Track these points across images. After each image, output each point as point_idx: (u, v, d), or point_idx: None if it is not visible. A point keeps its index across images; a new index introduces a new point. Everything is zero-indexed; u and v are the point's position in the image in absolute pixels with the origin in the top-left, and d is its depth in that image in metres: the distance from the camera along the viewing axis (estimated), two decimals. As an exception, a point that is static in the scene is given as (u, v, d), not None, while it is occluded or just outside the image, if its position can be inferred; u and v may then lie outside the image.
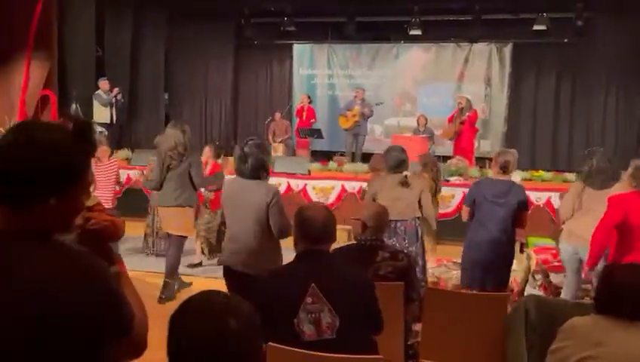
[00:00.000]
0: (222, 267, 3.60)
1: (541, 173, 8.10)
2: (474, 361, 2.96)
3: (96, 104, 9.65)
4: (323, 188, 7.83)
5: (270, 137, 10.42)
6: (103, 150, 6.20)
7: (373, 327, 2.32)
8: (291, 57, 12.96)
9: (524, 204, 4.13)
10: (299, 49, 12.86)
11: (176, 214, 4.84)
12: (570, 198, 4.19)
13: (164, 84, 12.34)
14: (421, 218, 4.41)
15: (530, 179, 7.68)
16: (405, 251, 3.75)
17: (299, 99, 11.58)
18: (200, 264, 6.18)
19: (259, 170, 3.40)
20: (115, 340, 1.13)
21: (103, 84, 9.68)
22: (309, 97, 11.13)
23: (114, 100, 9.65)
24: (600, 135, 11.06)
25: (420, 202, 4.38)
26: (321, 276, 2.19)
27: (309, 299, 2.12)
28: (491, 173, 4.62)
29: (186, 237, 5.09)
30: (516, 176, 5.97)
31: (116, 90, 9.73)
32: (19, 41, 9.14)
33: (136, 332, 1.20)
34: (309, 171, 8.10)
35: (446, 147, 10.29)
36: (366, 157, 10.24)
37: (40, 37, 9.11)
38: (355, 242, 3.20)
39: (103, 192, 5.71)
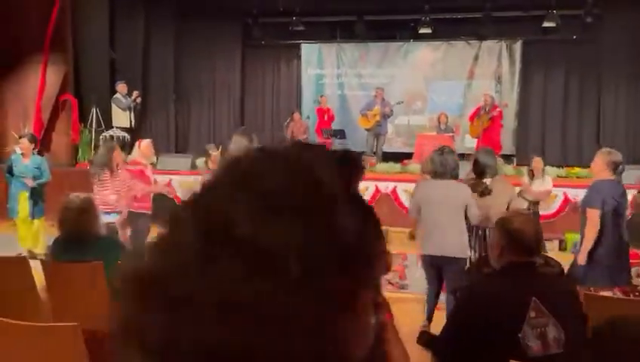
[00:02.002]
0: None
1: (577, 170, 8.20)
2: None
3: (115, 108, 9.49)
4: (356, 189, 7.83)
5: (288, 137, 10.39)
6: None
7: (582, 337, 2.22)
8: (299, 57, 12.93)
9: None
10: (307, 48, 12.83)
11: None
12: None
13: (173, 84, 12.21)
14: None
15: (566, 176, 7.79)
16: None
17: (313, 100, 11.55)
18: None
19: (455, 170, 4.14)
20: None
21: (122, 87, 9.56)
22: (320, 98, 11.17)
23: (133, 104, 9.51)
24: (611, 131, 11.25)
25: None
26: (539, 289, 2.13)
27: (532, 313, 2.05)
28: (598, 174, 4.14)
29: None
30: (551, 174, 6.01)
31: (136, 93, 9.63)
32: (33, 46, 9.00)
33: None
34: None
35: (465, 144, 10.37)
36: (386, 157, 10.33)
37: (56, 42, 9.01)
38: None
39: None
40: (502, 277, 2.26)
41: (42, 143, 8.74)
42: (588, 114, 11.68)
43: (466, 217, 4.10)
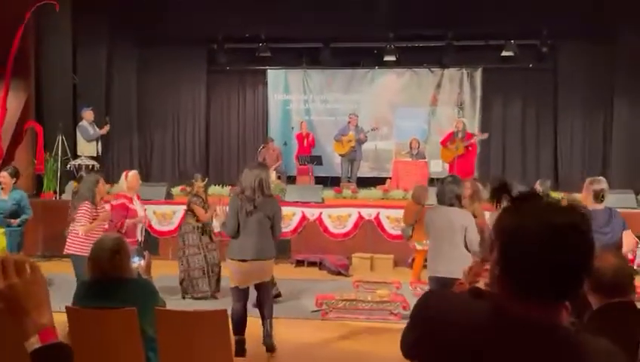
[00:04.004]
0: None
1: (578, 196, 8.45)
2: None
3: (80, 136, 9.09)
4: (339, 216, 7.83)
5: (261, 164, 10.28)
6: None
7: None
8: (265, 83, 12.91)
9: (625, 225, 4.20)
10: (273, 74, 12.84)
11: None
12: None
13: (137, 110, 11.87)
14: None
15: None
16: None
17: (280, 126, 11.49)
18: None
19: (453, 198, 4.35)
20: None
21: (88, 114, 9.20)
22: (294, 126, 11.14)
23: (100, 135, 9.17)
24: (568, 154, 11.82)
25: None
26: None
27: None
28: (585, 202, 4.30)
29: None
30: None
31: (107, 127, 9.28)
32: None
33: None
34: (323, 199, 8.05)
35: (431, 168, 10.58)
36: (361, 182, 10.40)
37: (18, 67, 8.61)
38: None
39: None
40: (601, 321, 2.00)
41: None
42: (545, 138, 12.22)
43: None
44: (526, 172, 12.36)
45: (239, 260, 4.37)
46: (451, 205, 4.35)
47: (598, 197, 4.22)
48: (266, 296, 4.56)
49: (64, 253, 5.18)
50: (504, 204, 1.14)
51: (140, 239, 5.49)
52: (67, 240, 5.08)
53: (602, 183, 4.31)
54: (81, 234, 4.84)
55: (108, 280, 2.86)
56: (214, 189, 8.41)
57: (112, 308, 2.82)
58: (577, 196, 5.61)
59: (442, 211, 4.38)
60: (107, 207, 5.49)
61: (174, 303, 5.45)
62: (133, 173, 5.79)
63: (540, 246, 1.01)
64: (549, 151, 12.18)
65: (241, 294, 4.46)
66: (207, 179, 6.68)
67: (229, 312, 4.21)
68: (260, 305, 4.56)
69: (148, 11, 10.47)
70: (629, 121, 10.88)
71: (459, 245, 4.24)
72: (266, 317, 4.52)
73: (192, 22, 11.11)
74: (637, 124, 10.80)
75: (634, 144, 10.74)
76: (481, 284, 1.40)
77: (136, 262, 3.41)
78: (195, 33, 11.78)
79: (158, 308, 2.99)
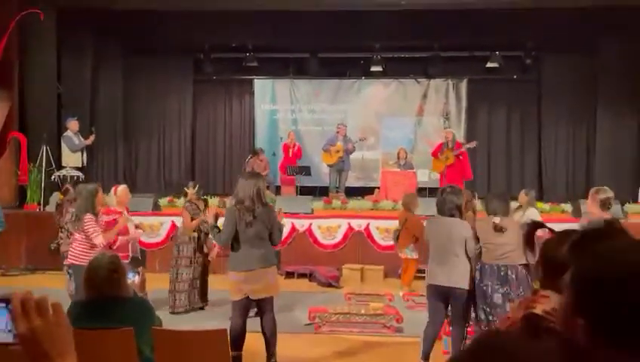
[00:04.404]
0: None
1: (562, 206, 8.58)
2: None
3: (65, 147, 8.95)
4: (329, 227, 7.81)
5: (249, 174, 10.22)
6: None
7: None
8: (251, 93, 12.88)
9: None
10: (260, 84, 12.82)
11: None
12: None
13: (122, 120, 11.73)
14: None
15: (550, 212, 8.13)
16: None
17: (267, 135, 11.45)
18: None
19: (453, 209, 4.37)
20: None
21: (73, 124, 9.06)
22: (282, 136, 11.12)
23: (85, 146, 9.04)
24: (552, 163, 11.98)
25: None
26: None
27: None
28: (590, 211, 4.41)
29: None
30: (534, 211, 6.26)
31: (92, 137, 9.15)
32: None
33: None
34: (313, 210, 8.02)
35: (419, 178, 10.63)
36: (348, 192, 10.40)
37: (1, 77, 8.47)
38: None
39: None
40: None
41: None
42: (530, 148, 12.38)
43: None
44: (511, 181, 12.48)
45: (246, 271, 4.29)
46: (452, 216, 4.38)
47: (605, 205, 4.24)
48: (270, 315, 4.44)
49: (66, 263, 5.11)
50: (570, 240, 1.06)
51: (130, 254, 5.40)
52: (69, 251, 4.98)
53: (608, 192, 4.32)
54: (103, 242, 4.77)
55: (105, 300, 2.79)
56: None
57: (108, 328, 2.75)
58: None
59: (443, 222, 4.41)
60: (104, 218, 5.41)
61: (166, 319, 5.35)
62: (122, 188, 5.72)
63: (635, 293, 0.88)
64: (533, 160, 12.34)
65: (243, 309, 4.39)
66: (197, 186, 6.58)
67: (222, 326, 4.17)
68: (263, 326, 4.45)
69: (134, 20, 10.37)
70: (611, 132, 11.08)
71: (460, 255, 4.29)
72: (270, 341, 4.42)
73: (178, 31, 11.06)
74: (620, 134, 11.00)
75: (617, 154, 10.94)
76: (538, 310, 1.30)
77: (131, 279, 3.35)
78: (181, 42, 11.73)
79: (156, 327, 2.93)
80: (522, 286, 4.18)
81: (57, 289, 6.38)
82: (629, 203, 8.70)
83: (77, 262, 4.73)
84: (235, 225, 4.32)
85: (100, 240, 4.70)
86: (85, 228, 4.80)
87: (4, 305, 0.96)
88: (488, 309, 4.24)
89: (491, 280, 4.22)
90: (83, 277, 2.84)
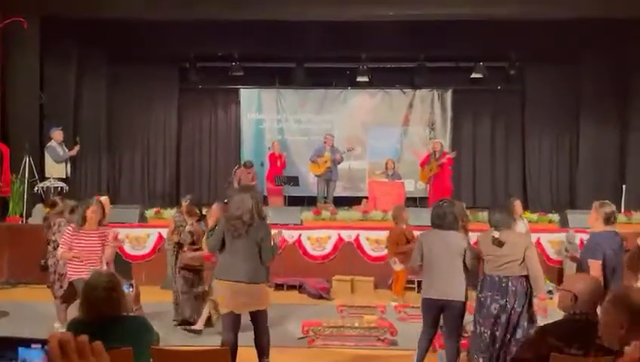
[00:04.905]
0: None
1: (550, 216, 8.64)
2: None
3: (48, 158, 8.77)
4: (318, 238, 7.76)
5: (236, 184, 10.15)
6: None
7: None
8: (237, 102, 12.82)
9: None
10: (246, 93, 12.77)
11: None
12: None
13: (106, 130, 11.55)
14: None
15: (537, 222, 8.18)
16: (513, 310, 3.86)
17: (253, 145, 11.39)
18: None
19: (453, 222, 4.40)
20: None
21: (58, 134, 8.90)
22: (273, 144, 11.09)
23: (69, 156, 8.88)
24: (536, 173, 12.12)
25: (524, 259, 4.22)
26: None
27: None
28: (592, 225, 4.36)
29: None
30: (523, 221, 6.31)
31: (77, 148, 8.99)
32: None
33: None
34: (302, 221, 7.98)
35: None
36: (336, 202, 10.39)
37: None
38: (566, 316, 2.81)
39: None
40: None
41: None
42: (514, 158, 12.51)
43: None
44: (495, 190, 12.61)
45: (230, 281, 4.23)
46: (450, 228, 4.37)
47: (610, 220, 4.22)
48: (263, 329, 4.38)
49: (69, 279, 5.12)
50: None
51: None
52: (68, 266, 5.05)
53: (612, 206, 4.32)
54: (59, 257, 4.80)
55: (103, 320, 2.71)
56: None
57: (108, 349, 2.67)
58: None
59: (440, 235, 4.40)
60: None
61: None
62: (105, 199, 5.73)
63: None
64: (517, 170, 12.47)
65: (232, 323, 4.30)
66: (189, 197, 6.44)
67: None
68: (257, 340, 4.38)
69: (119, 29, 10.25)
70: (594, 142, 11.24)
71: (458, 268, 4.29)
72: (264, 354, 4.35)
73: (163, 40, 10.95)
74: (603, 144, 11.17)
75: (600, 164, 11.10)
76: None
77: (126, 291, 3.26)
78: (166, 51, 11.62)
79: (154, 347, 2.86)
80: (520, 299, 4.17)
81: (44, 302, 6.27)
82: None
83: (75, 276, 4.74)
84: (223, 234, 4.31)
85: (59, 252, 4.81)
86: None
87: (39, 346, 0.91)
88: (481, 320, 4.25)
89: (491, 291, 4.22)
90: (81, 297, 2.76)
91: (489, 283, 4.26)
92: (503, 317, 4.15)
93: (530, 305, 4.25)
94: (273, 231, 4.48)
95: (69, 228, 5.05)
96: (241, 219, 4.22)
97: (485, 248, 4.36)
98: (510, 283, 4.19)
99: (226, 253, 4.32)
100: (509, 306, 4.12)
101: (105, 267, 4.95)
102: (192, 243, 5.88)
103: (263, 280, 4.42)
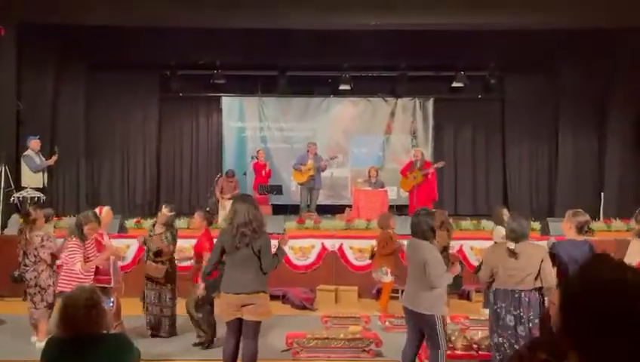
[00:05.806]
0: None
1: (531, 224, 8.62)
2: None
3: (25, 167, 8.57)
4: (302, 248, 7.70)
5: (218, 193, 10.04)
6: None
7: None
8: (219, 110, 12.72)
9: None
10: (228, 101, 12.68)
11: None
12: None
13: (84, 138, 11.35)
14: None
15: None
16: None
17: (235, 153, 11.28)
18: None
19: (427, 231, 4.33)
20: None
21: (35, 143, 8.72)
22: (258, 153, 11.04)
23: (47, 166, 8.70)
24: (517, 181, 12.24)
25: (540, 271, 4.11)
26: None
27: None
28: (566, 234, 4.36)
29: None
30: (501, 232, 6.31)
31: (55, 157, 8.82)
32: None
33: None
34: (285, 230, 7.91)
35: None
36: (319, 210, 10.34)
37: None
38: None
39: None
40: None
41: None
42: (494, 165, 12.63)
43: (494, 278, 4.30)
44: (476, 198, 12.70)
45: (229, 293, 4.30)
46: (425, 238, 4.34)
47: (582, 229, 4.26)
48: (251, 342, 4.33)
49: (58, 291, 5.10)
50: None
51: (112, 278, 5.28)
52: (60, 278, 5.08)
53: (586, 215, 4.35)
54: (81, 270, 4.88)
55: (82, 339, 2.62)
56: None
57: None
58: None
59: (413, 245, 4.42)
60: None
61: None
62: (107, 209, 5.75)
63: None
64: (498, 178, 12.58)
65: (233, 330, 4.33)
66: (164, 206, 6.33)
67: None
68: (242, 351, 4.35)
69: (98, 35, 10.10)
70: (573, 150, 11.41)
71: (423, 279, 4.22)
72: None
73: (143, 47, 10.83)
74: (581, 153, 11.34)
75: (579, 172, 11.26)
76: None
77: (106, 306, 3.19)
78: (147, 59, 11.48)
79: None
80: (534, 311, 4.10)
81: (18, 315, 6.10)
82: (593, 221, 8.91)
83: (67, 289, 4.62)
84: (221, 250, 4.35)
85: (77, 267, 4.72)
86: (68, 253, 4.89)
87: None
88: (500, 331, 4.19)
89: (505, 303, 4.16)
90: (58, 314, 2.66)
91: (502, 294, 4.19)
92: (521, 329, 4.09)
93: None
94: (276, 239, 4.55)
95: (74, 242, 5.05)
96: (250, 227, 4.21)
97: (499, 261, 4.22)
98: (523, 295, 4.12)
99: (226, 267, 4.41)
100: (524, 317, 4.07)
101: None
102: (157, 254, 5.87)
103: (264, 289, 4.42)
